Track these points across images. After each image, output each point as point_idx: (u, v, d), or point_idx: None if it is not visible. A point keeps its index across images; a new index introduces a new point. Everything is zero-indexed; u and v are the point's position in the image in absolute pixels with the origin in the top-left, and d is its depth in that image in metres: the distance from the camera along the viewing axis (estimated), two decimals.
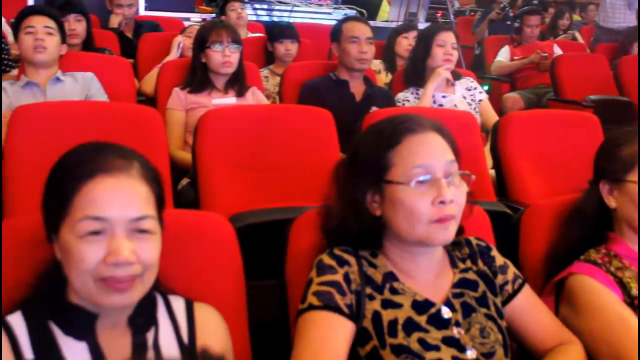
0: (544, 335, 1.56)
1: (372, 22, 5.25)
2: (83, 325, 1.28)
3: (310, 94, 3.40)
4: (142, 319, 1.32)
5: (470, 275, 1.54)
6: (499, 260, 1.59)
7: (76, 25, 3.83)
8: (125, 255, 1.20)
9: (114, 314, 1.29)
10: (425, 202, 1.40)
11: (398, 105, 3.48)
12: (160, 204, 1.33)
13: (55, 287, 1.30)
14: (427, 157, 1.42)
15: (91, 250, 1.21)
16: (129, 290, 1.23)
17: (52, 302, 1.30)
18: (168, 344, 1.33)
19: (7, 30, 3.87)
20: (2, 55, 3.66)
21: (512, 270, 1.60)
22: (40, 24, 2.98)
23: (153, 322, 1.34)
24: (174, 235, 1.52)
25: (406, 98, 3.53)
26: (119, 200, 1.24)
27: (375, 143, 1.48)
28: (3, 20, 4.31)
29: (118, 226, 1.22)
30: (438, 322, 1.44)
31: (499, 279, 1.56)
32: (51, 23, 3.02)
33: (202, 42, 3.24)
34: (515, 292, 1.57)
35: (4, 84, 3.00)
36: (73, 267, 1.22)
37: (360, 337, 1.42)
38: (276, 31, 4.38)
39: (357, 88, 3.50)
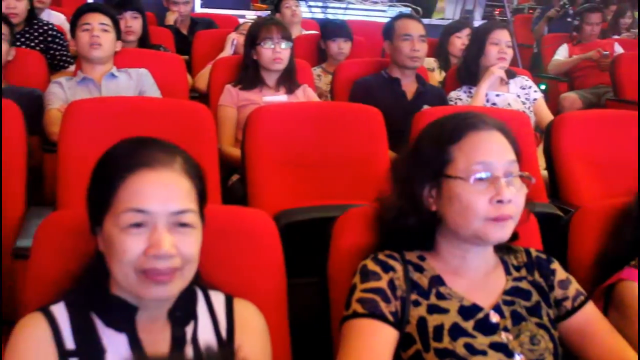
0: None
1: (427, 20, 5.21)
2: (124, 317, 1.29)
3: (361, 91, 3.38)
4: (181, 312, 1.33)
5: (524, 285, 1.50)
6: (561, 274, 1.54)
7: (132, 22, 3.89)
8: (165, 248, 1.21)
9: (154, 306, 1.30)
10: (483, 199, 1.38)
11: (450, 104, 3.44)
12: (201, 199, 1.33)
13: (98, 279, 1.32)
14: (488, 155, 1.41)
15: (133, 242, 1.22)
16: (169, 283, 1.24)
17: (94, 293, 1.32)
18: (206, 338, 1.34)
19: (66, 27, 3.96)
20: (61, 52, 3.75)
21: (574, 286, 1.54)
22: (96, 21, 3.04)
23: (192, 316, 1.35)
24: (217, 230, 1.53)
25: (458, 97, 3.48)
26: (160, 194, 1.25)
27: (437, 137, 1.47)
28: (62, 17, 4.41)
29: (159, 219, 1.23)
30: (485, 327, 1.41)
31: (558, 293, 1.51)
32: (107, 20, 3.07)
33: (253, 39, 3.25)
34: (575, 310, 1.50)
35: (62, 79, 3.07)
36: (115, 258, 1.24)
37: (404, 342, 1.40)
38: (329, 29, 4.37)
39: (409, 86, 3.47)
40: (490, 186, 1.39)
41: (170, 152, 1.32)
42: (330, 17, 5.66)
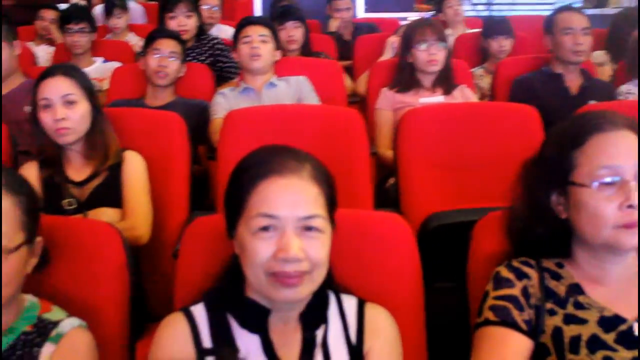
0: None
1: (603, 10, 4.93)
2: (257, 319, 1.34)
3: (522, 89, 3.26)
4: (312, 316, 1.36)
5: None
6: None
7: (294, 31, 4.01)
8: (293, 252, 1.25)
9: (285, 309, 1.34)
10: (611, 206, 1.29)
11: (620, 99, 3.22)
12: (331, 204, 1.36)
13: (235, 281, 1.38)
14: (615, 158, 1.31)
15: (263, 246, 1.27)
16: (298, 286, 1.27)
17: (231, 295, 1.38)
18: (336, 342, 1.36)
19: None
20: (228, 64, 3.95)
21: None
22: (256, 33, 3.17)
23: (323, 319, 1.38)
24: (352, 235, 1.55)
25: (629, 90, 3.25)
26: (289, 200, 1.29)
27: (560, 142, 1.39)
28: (231, 31, 4.64)
29: (288, 224, 1.27)
30: (628, 340, 1.31)
31: None
32: (265, 31, 3.20)
33: (407, 41, 3.24)
34: None
35: (225, 90, 3.24)
36: (247, 261, 1.29)
37: (538, 352, 1.34)
38: (489, 27, 4.25)
39: (573, 82, 3.29)
40: (619, 191, 1.29)
41: (301, 159, 1.35)
42: (495, 14, 5.50)
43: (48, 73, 2.20)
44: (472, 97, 3.31)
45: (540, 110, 2.65)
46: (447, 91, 3.25)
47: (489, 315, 1.36)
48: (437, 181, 2.52)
